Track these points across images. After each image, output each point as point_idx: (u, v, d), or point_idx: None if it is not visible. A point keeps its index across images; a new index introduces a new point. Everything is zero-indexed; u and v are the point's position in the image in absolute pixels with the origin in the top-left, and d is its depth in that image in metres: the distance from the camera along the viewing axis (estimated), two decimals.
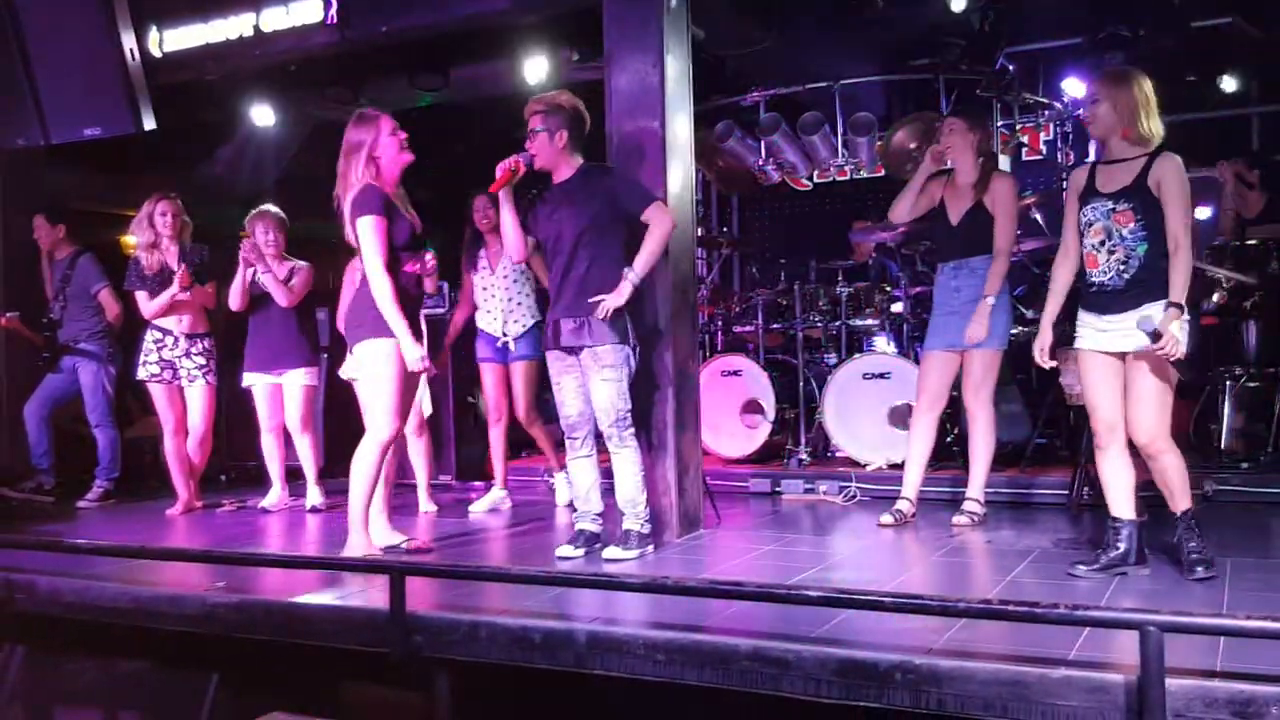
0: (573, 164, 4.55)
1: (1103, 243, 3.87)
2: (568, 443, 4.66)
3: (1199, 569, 3.76)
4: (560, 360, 4.55)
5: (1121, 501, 3.93)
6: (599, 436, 4.59)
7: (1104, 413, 3.91)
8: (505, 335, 5.82)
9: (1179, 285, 3.70)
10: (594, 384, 4.44)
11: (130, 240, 9.41)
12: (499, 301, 5.86)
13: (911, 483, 5.22)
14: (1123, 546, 3.88)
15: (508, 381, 5.91)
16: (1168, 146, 3.86)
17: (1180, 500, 3.88)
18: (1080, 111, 3.99)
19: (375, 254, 4.32)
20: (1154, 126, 3.86)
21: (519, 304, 5.86)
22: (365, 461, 4.42)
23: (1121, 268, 3.83)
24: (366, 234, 4.32)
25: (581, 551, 4.50)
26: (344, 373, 5.77)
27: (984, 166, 5.10)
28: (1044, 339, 4.17)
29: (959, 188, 5.13)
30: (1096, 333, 3.91)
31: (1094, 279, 3.91)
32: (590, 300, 4.35)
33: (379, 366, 4.39)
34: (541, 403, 5.83)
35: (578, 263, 4.44)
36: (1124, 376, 3.86)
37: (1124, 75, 3.95)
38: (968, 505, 5.08)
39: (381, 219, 4.34)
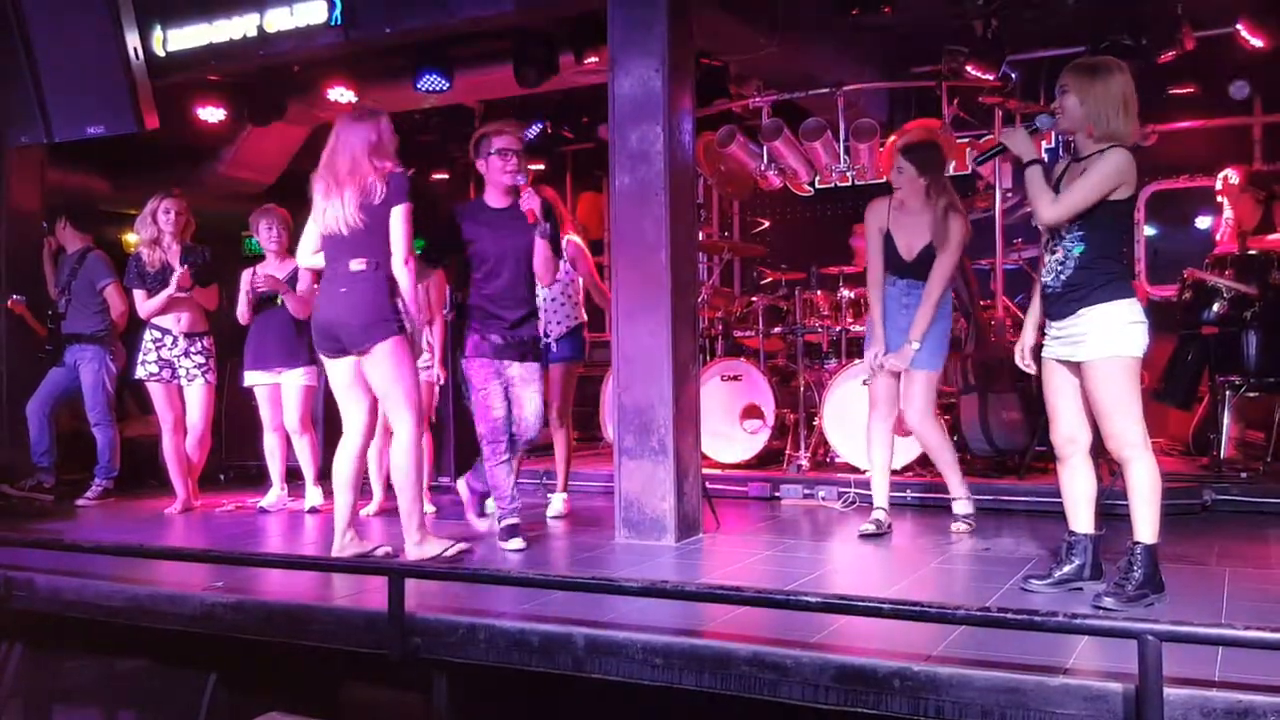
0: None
1: (1048, 242, 3.75)
2: (490, 448, 4.77)
3: (1107, 599, 3.48)
4: (499, 367, 4.77)
5: (1079, 515, 3.82)
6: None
7: (1063, 424, 3.80)
8: (546, 336, 5.78)
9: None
10: (530, 394, 4.82)
11: (131, 239, 9.47)
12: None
13: (881, 491, 5.20)
14: (1077, 561, 3.79)
15: None
16: (1134, 149, 3.65)
17: (1142, 528, 3.61)
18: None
19: (406, 243, 4.36)
20: (1125, 126, 3.63)
21: (561, 305, 5.86)
22: (407, 462, 4.39)
23: (1059, 268, 3.68)
24: (403, 222, 4.35)
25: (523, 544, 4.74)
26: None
27: (936, 205, 4.98)
28: (1024, 340, 4.03)
29: (910, 216, 5.04)
30: (1051, 340, 3.80)
31: (1043, 280, 3.79)
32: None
33: (401, 363, 4.37)
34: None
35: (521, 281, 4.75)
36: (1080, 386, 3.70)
37: (1096, 67, 3.70)
38: (957, 507, 5.10)
39: (412, 207, 4.40)
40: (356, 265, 4.38)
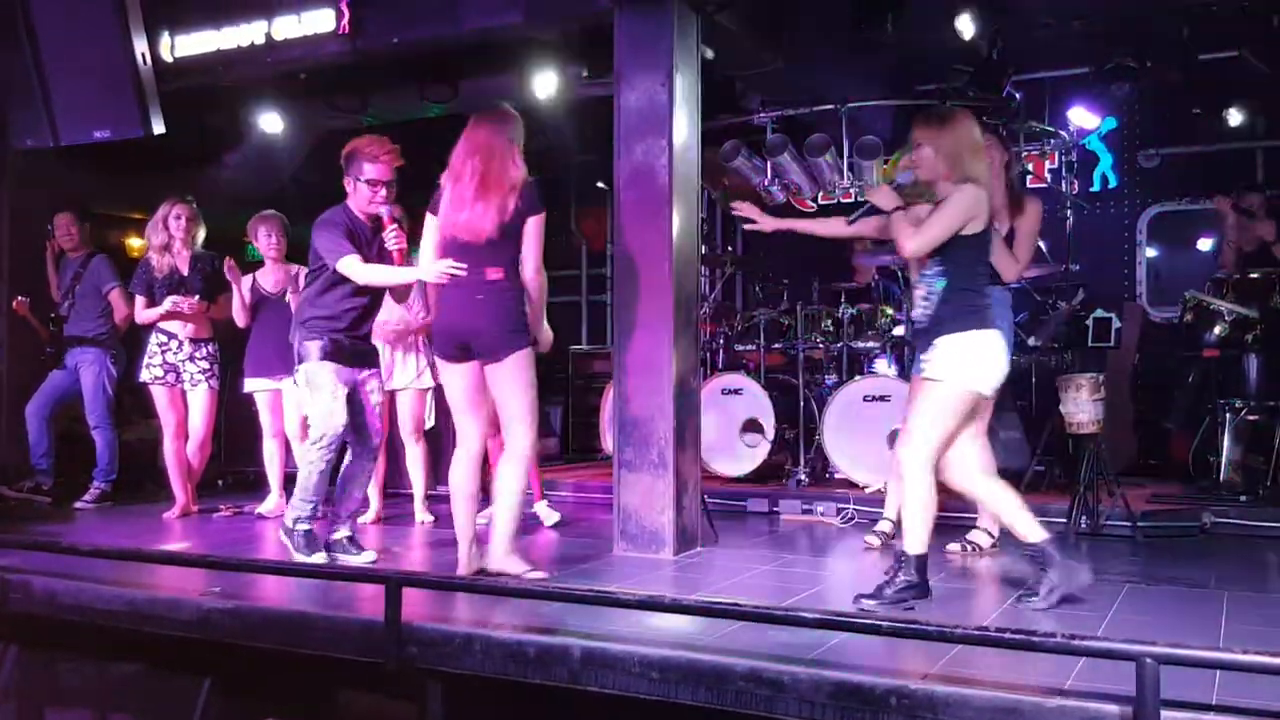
0: None
1: (916, 282, 3.97)
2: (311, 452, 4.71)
3: (867, 602, 3.78)
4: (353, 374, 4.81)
5: (1024, 527, 3.90)
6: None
7: (954, 448, 3.93)
8: None
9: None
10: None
11: (135, 243, 9.48)
12: None
13: (894, 505, 5.21)
14: (911, 578, 3.86)
15: None
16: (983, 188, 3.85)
17: (909, 538, 3.85)
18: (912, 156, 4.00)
19: (539, 253, 4.35)
20: (977, 168, 3.87)
21: None
22: (520, 474, 4.30)
23: (925, 304, 3.90)
24: (539, 231, 4.32)
25: None
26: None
27: (1011, 191, 5.13)
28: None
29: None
30: (920, 371, 3.98)
31: (913, 316, 4.02)
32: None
33: (528, 374, 4.34)
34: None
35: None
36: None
37: (946, 118, 3.96)
38: (973, 535, 5.02)
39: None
40: (495, 274, 4.24)
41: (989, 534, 5.00)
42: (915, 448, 3.82)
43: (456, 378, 4.37)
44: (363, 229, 4.70)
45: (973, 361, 3.80)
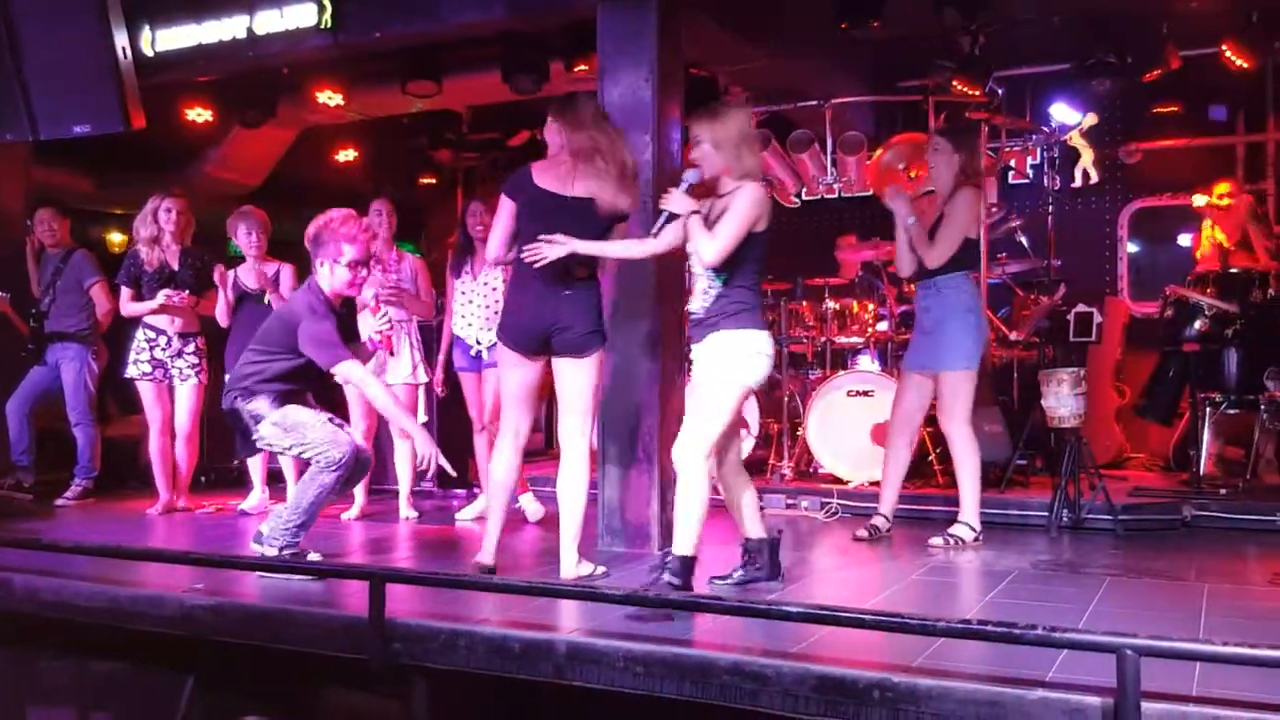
0: None
1: (698, 274, 3.95)
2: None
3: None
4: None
5: (747, 522, 4.08)
6: None
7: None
8: (479, 344, 5.81)
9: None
10: None
11: (116, 238, 9.43)
12: (478, 309, 5.85)
13: (888, 501, 5.26)
14: (757, 564, 4.03)
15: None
16: (767, 183, 3.95)
17: (681, 539, 3.81)
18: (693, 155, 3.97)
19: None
20: (754, 160, 3.91)
21: (498, 313, 5.86)
22: (585, 476, 4.25)
23: (704, 298, 3.90)
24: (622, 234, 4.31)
25: None
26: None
27: (958, 184, 5.07)
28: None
29: (934, 206, 5.19)
30: (695, 363, 4.02)
31: (690, 308, 4.00)
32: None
33: (599, 374, 4.34)
34: None
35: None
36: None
37: (718, 112, 3.94)
38: (956, 528, 5.01)
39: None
40: (581, 271, 4.19)
41: (972, 528, 5.02)
42: (692, 445, 3.80)
43: (518, 374, 4.26)
44: (335, 310, 4.47)
45: (746, 358, 3.82)
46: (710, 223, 3.85)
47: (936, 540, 4.98)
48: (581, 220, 4.11)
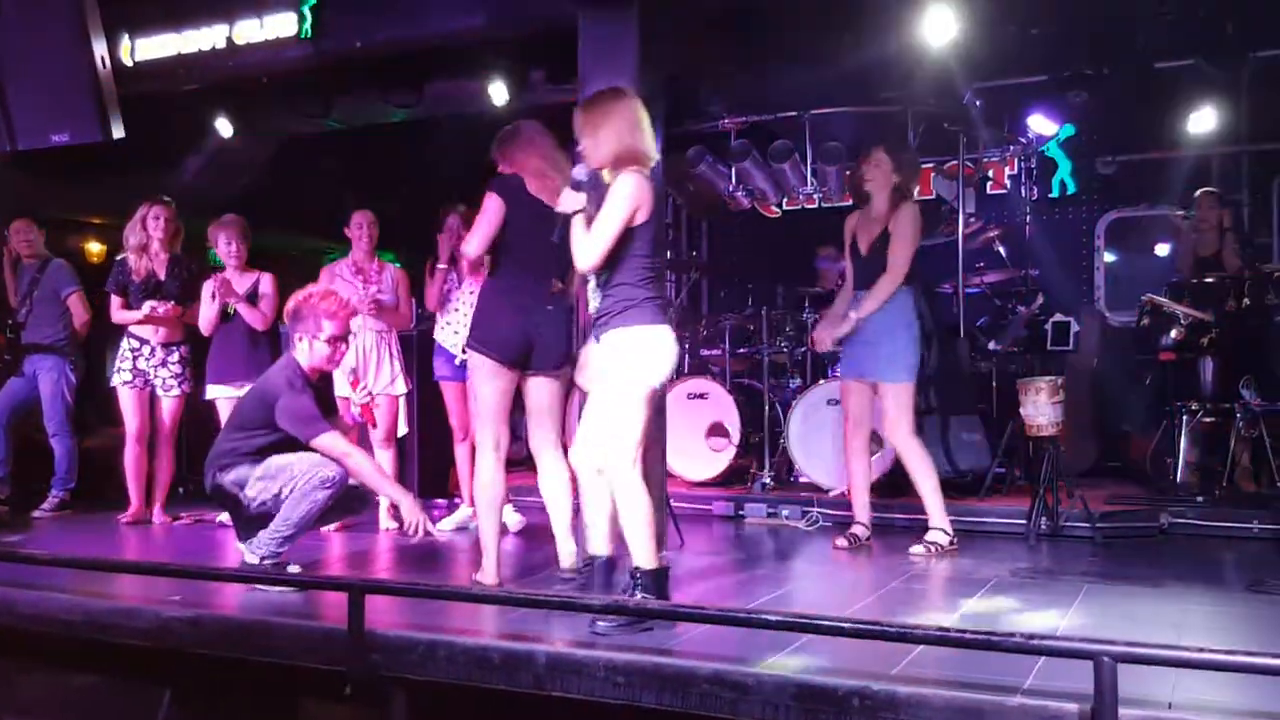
0: None
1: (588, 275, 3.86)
2: None
3: (600, 623, 3.48)
4: None
5: (641, 544, 3.69)
6: None
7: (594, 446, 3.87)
8: (464, 354, 5.79)
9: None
10: None
11: (94, 248, 9.37)
12: (463, 317, 5.84)
13: (862, 507, 5.29)
14: (650, 594, 3.64)
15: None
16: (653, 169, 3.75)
17: (639, 553, 3.64)
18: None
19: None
20: (641, 146, 3.70)
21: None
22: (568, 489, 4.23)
23: (596, 296, 3.81)
24: None
25: None
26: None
27: (895, 199, 5.12)
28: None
29: (871, 219, 5.21)
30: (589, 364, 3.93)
31: (590, 307, 3.90)
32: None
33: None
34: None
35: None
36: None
37: (594, 101, 3.82)
38: (931, 535, 5.05)
39: None
40: (556, 285, 4.19)
41: (945, 532, 5.05)
42: (616, 457, 3.65)
43: (509, 383, 4.20)
44: (312, 384, 4.47)
45: (638, 357, 3.66)
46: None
47: (917, 549, 5.00)
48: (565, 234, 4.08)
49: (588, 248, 3.66)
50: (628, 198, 3.62)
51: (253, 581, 4.26)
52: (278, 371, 4.45)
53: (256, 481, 4.35)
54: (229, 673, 3.84)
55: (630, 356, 3.66)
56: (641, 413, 3.67)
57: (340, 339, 4.45)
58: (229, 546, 5.47)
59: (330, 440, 4.27)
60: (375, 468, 4.49)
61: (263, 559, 4.31)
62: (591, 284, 3.84)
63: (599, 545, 3.93)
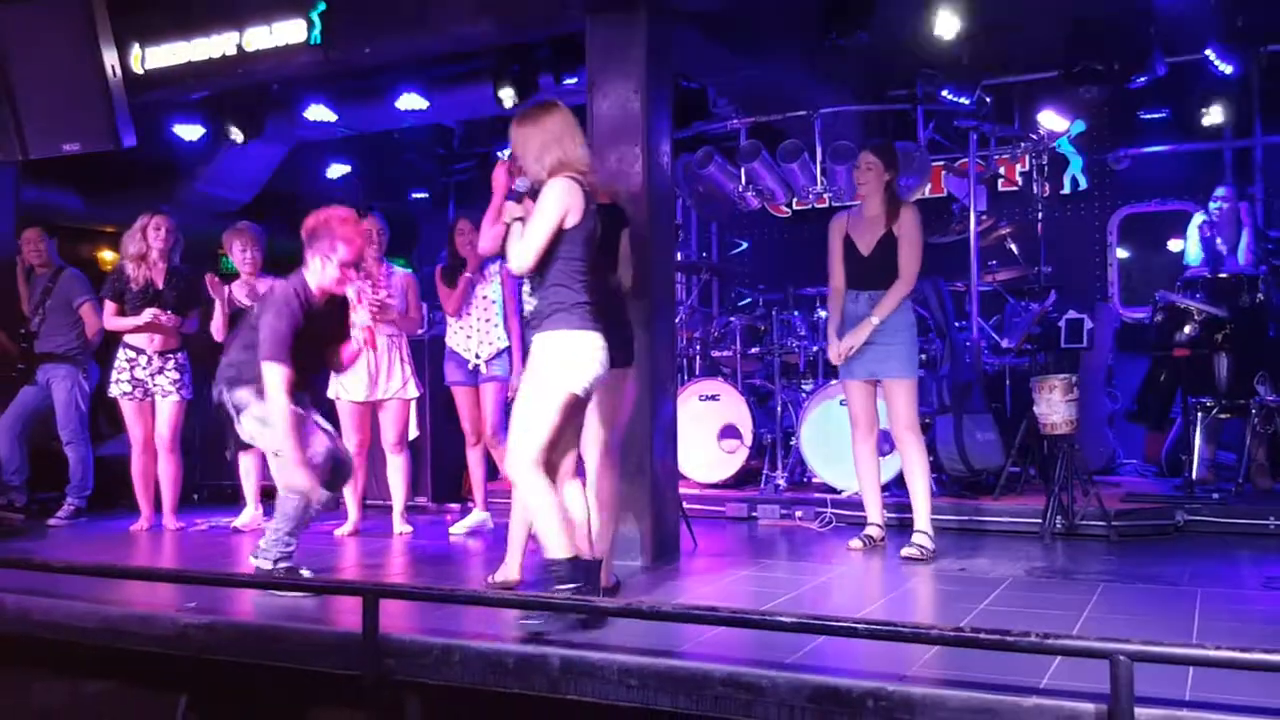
0: None
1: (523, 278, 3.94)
2: None
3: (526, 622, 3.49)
4: None
5: (551, 537, 3.66)
6: None
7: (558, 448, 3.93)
8: (477, 358, 5.81)
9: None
10: None
11: (107, 256, 9.41)
12: (475, 322, 5.85)
13: (874, 508, 5.27)
14: (576, 584, 3.60)
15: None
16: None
17: (551, 545, 3.62)
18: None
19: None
20: (571, 155, 3.76)
21: (496, 325, 5.86)
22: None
23: (530, 300, 3.89)
24: None
25: None
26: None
27: (890, 200, 5.14)
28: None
29: (867, 220, 5.19)
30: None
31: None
32: None
33: None
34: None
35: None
36: None
37: (524, 117, 3.86)
38: (916, 539, 4.99)
39: None
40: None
41: (929, 536, 5.01)
42: (517, 455, 3.67)
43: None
44: (316, 305, 4.41)
45: (561, 361, 3.70)
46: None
47: (909, 550, 4.94)
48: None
49: (520, 251, 3.73)
50: (556, 201, 3.69)
51: (267, 587, 4.27)
52: (283, 286, 4.42)
53: (253, 419, 4.36)
54: (244, 678, 3.85)
55: (552, 360, 3.71)
56: (553, 416, 3.69)
57: (351, 264, 4.42)
58: (242, 552, 5.49)
59: (274, 374, 4.19)
60: (288, 419, 4.26)
61: (275, 563, 4.32)
62: (526, 288, 3.93)
63: (559, 549, 3.74)
